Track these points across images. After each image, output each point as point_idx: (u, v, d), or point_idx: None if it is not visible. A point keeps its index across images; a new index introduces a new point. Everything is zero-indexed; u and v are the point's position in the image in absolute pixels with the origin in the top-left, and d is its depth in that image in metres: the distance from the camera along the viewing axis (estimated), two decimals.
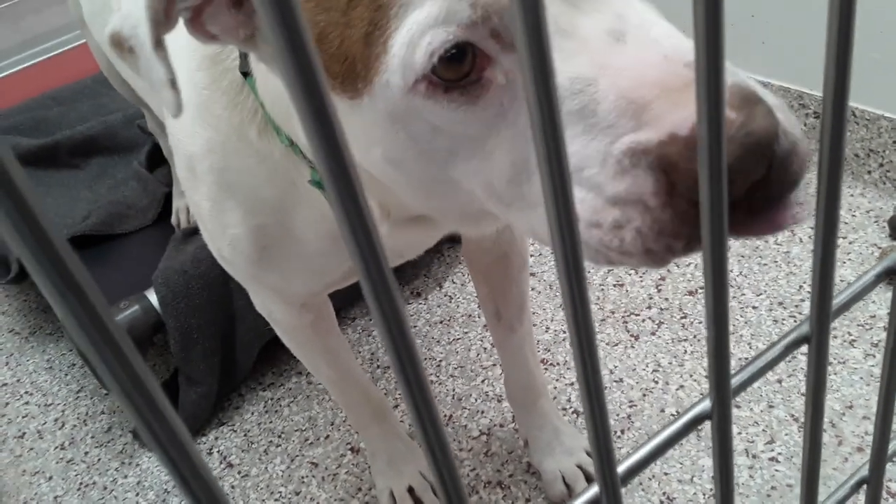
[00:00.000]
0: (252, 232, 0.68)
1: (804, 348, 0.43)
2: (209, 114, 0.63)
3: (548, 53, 0.23)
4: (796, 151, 0.39)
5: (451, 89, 0.42)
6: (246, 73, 0.59)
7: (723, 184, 0.29)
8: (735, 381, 0.41)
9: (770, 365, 0.46)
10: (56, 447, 1.28)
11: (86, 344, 0.18)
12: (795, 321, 1.21)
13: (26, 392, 1.39)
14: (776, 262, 1.30)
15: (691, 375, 1.16)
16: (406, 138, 0.46)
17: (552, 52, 0.22)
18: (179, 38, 0.63)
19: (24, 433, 1.32)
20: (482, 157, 0.45)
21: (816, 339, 0.43)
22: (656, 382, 1.17)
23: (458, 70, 0.42)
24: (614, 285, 1.32)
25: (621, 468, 0.40)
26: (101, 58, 1.34)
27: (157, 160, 1.58)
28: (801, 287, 1.25)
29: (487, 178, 0.46)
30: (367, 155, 0.49)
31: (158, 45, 0.43)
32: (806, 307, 1.22)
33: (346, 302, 1.35)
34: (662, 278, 1.32)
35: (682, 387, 1.15)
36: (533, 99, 0.24)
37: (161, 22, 0.43)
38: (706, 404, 0.40)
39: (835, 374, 1.12)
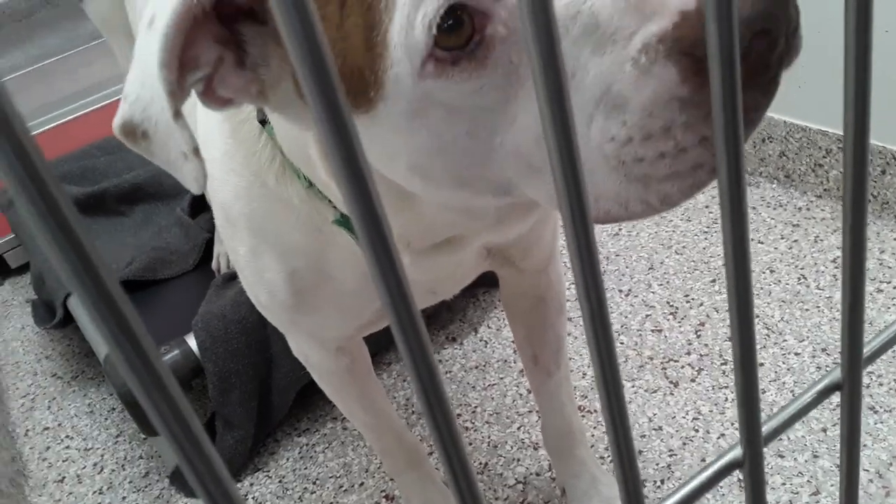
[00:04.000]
0: (286, 276, 0.69)
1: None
2: (234, 162, 0.64)
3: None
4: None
5: (459, 59, 0.42)
6: (264, 121, 0.60)
7: (735, 47, 0.28)
8: (767, 428, 0.40)
9: (802, 412, 0.44)
10: (94, 492, 1.29)
11: (135, 385, 0.19)
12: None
13: (67, 436, 1.40)
14: (818, 307, 1.28)
15: (733, 424, 1.14)
16: (428, 134, 0.45)
17: None
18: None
19: (64, 477, 1.33)
20: (506, 128, 0.44)
21: (848, 385, 0.42)
22: (696, 431, 1.14)
23: (459, 35, 0.41)
24: (652, 331, 1.30)
25: None
26: None
27: (200, 206, 1.61)
28: None
29: (516, 147, 0.45)
30: (392, 169, 0.49)
31: (177, 115, 0.43)
32: None
33: (381, 346, 1.36)
34: (702, 324, 1.30)
35: (723, 435, 1.12)
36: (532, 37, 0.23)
37: (176, 93, 0.43)
38: (737, 452, 0.40)
39: (881, 422, 1.09)
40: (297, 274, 0.69)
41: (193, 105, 0.70)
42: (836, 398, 0.43)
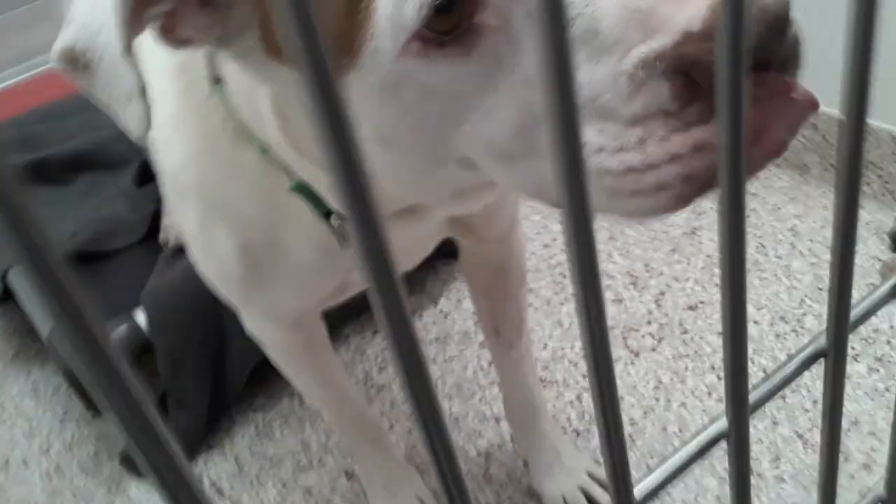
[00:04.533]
0: (239, 250, 0.65)
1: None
2: (183, 126, 0.60)
3: None
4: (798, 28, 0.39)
5: (445, 43, 0.40)
6: (216, 80, 0.56)
7: (743, 64, 0.26)
8: (751, 399, 0.39)
9: (786, 381, 0.43)
10: (41, 475, 1.24)
11: (81, 363, 0.18)
12: (797, 336, 1.19)
13: (10, 418, 1.35)
14: (776, 275, 1.28)
15: (693, 392, 1.14)
16: (397, 110, 0.43)
17: None
18: (151, 53, 0.61)
19: (8, 460, 1.28)
20: (480, 116, 0.43)
21: (834, 354, 0.41)
22: (657, 400, 1.14)
23: (449, 19, 0.39)
24: (613, 300, 1.29)
25: (638, 491, 0.37)
26: None
27: (148, 176, 1.55)
28: (802, 301, 1.23)
29: (488, 136, 0.43)
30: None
31: (128, 49, 0.40)
32: (808, 321, 1.20)
33: (339, 320, 1.33)
34: (662, 293, 1.29)
35: (684, 404, 1.12)
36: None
37: (131, 24, 0.40)
38: (722, 424, 0.38)
39: None
40: (250, 247, 0.65)
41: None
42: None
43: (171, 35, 0.44)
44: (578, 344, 1.23)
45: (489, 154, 0.44)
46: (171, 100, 0.60)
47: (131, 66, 0.40)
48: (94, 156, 1.65)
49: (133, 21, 0.41)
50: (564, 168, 0.23)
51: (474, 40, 0.40)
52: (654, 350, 1.21)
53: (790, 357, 0.43)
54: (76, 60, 0.42)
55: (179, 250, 1.28)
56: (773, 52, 0.38)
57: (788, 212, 1.39)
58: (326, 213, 0.59)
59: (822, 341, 0.41)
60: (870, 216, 1.33)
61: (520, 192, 0.47)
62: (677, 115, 0.38)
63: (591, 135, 0.40)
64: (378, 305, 0.22)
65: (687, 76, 0.38)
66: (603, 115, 0.40)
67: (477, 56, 0.40)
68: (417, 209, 0.61)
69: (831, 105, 0.41)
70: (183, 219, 0.68)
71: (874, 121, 1.30)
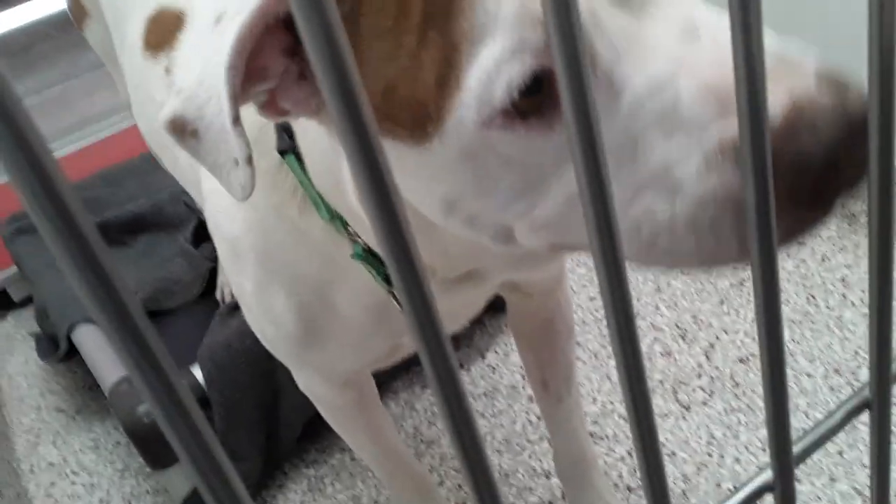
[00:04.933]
0: (295, 311, 0.67)
1: (865, 417, 0.42)
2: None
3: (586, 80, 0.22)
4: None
5: (528, 116, 0.41)
6: (283, 152, 0.59)
7: (768, 178, 0.27)
8: (796, 450, 0.39)
9: (831, 432, 0.44)
10: None
11: (158, 409, 0.19)
12: (853, 389, 1.17)
13: (72, 472, 1.39)
14: (829, 327, 1.26)
15: (748, 448, 1.12)
16: (473, 178, 0.45)
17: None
18: None
19: None
20: (558, 185, 0.44)
21: (878, 404, 0.41)
22: (710, 455, 1.12)
23: (535, 100, 0.41)
24: (661, 354, 1.29)
25: None
26: (150, 139, 1.37)
27: (203, 235, 1.60)
28: (856, 353, 1.21)
29: (562, 202, 0.44)
30: (422, 199, 0.49)
31: (236, 121, 0.42)
32: (863, 374, 1.18)
33: (389, 374, 1.34)
34: (711, 345, 1.29)
35: (738, 460, 1.11)
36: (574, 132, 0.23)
37: (238, 98, 0.42)
38: (767, 475, 0.38)
39: None
40: (305, 307, 0.67)
41: None
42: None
43: (272, 107, 0.47)
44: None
45: (540, 227, 0.46)
46: None
47: (240, 135, 0.42)
48: (151, 217, 1.71)
49: (240, 95, 0.43)
50: (594, 224, 0.25)
51: (552, 117, 0.41)
52: (705, 404, 1.20)
53: (834, 408, 0.43)
54: (184, 129, 0.44)
55: (234, 307, 1.31)
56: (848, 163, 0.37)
57: (838, 261, 1.37)
58: (387, 279, 0.61)
59: (866, 392, 0.41)
60: None
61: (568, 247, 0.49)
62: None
63: (661, 207, 0.41)
64: (428, 367, 0.23)
65: None
66: (673, 191, 0.40)
67: (558, 131, 0.42)
68: (476, 274, 0.63)
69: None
70: (239, 282, 0.71)
71: None
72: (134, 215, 1.70)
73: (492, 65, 0.40)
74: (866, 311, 1.28)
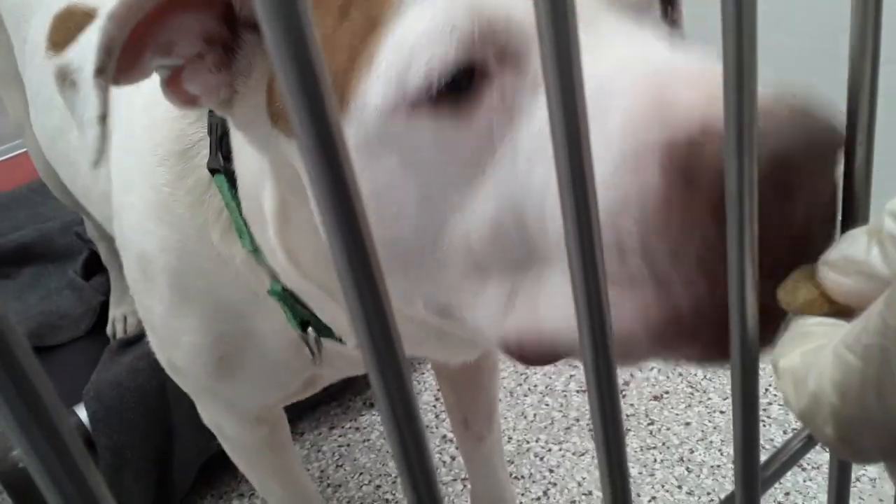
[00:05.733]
0: (209, 338, 0.62)
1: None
2: (167, 212, 0.58)
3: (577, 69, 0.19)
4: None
5: (439, 102, 0.36)
6: (214, 171, 0.54)
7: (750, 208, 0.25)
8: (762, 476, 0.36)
9: (792, 460, 0.41)
10: None
11: (34, 454, 0.16)
12: (764, 426, 1.17)
13: None
14: None
15: (663, 486, 1.10)
16: (369, 181, 0.38)
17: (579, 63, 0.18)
18: (142, 133, 0.58)
19: None
20: (461, 205, 0.38)
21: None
22: None
23: (453, 95, 0.36)
24: (577, 391, 1.27)
25: None
26: (40, 163, 1.29)
27: (94, 268, 1.51)
28: (766, 390, 1.22)
29: (466, 234, 0.38)
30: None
31: (101, 73, 0.39)
32: (774, 410, 1.18)
33: (295, 415, 1.27)
34: (626, 383, 1.27)
35: (654, 499, 1.09)
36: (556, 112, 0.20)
37: (115, 55, 0.39)
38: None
39: (809, 480, 1.07)
40: (221, 337, 0.62)
41: (119, 146, 0.63)
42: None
43: (176, 88, 0.43)
44: (544, 436, 1.19)
45: (466, 265, 0.39)
46: (153, 185, 0.58)
47: (98, 87, 0.39)
48: (39, 248, 1.61)
49: (132, 61, 0.40)
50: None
51: (471, 109, 0.37)
52: None
53: (791, 437, 0.40)
54: (66, 76, 0.41)
55: (126, 344, 1.23)
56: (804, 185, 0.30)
57: None
58: (302, 322, 0.57)
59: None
60: None
61: (488, 331, 0.41)
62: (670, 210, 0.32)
63: None
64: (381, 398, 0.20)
65: (685, 182, 0.31)
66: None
67: (469, 126, 0.37)
68: None
69: None
70: (148, 305, 0.65)
71: None
72: (20, 245, 1.60)
73: (412, 42, 0.35)
74: None
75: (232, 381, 0.66)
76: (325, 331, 0.58)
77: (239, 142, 0.52)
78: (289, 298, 0.56)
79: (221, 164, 0.54)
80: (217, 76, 0.43)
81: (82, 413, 1.10)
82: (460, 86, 0.36)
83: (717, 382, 1.24)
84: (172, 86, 0.43)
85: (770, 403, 1.19)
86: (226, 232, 0.57)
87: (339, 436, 1.27)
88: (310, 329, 0.58)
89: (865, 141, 0.30)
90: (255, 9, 0.15)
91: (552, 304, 0.36)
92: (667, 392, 1.24)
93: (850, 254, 0.26)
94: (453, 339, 0.51)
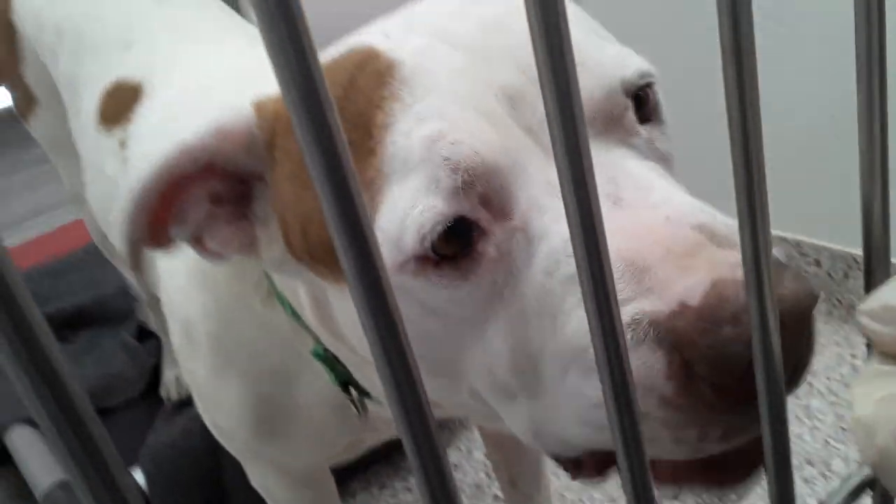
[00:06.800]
0: (253, 402, 0.64)
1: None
2: (209, 279, 0.60)
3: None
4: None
5: (442, 264, 0.39)
6: None
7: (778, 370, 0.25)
8: None
9: None
10: None
11: None
12: (826, 479, 1.14)
13: None
14: (797, 417, 1.24)
15: None
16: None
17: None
18: None
19: None
20: (478, 344, 0.41)
21: (881, 484, 0.38)
22: None
23: (449, 246, 0.38)
24: None
25: None
26: (94, 229, 1.33)
27: (148, 331, 1.54)
28: (826, 442, 1.19)
29: (487, 366, 0.41)
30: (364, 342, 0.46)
31: (136, 267, 0.44)
32: (836, 464, 1.15)
33: (346, 474, 1.27)
34: None
35: None
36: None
37: (140, 246, 0.44)
38: None
39: None
40: (264, 399, 0.64)
41: None
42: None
43: (202, 248, 0.46)
44: (597, 495, 1.17)
45: (489, 386, 0.42)
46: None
47: (138, 283, 0.43)
48: (94, 311, 1.65)
49: (158, 237, 0.44)
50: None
51: (472, 267, 0.39)
52: (676, 498, 1.15)
53: (836, 490, 0.40)
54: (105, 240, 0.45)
55: (180, 405, 1.25)
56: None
57: None
58: (344, 383, 0.58)
59: (866, 470, 0.38)
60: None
61: (523, 437, 0.44)
62: (675, 406, 0.34)
63: (590, 390, 0.37)
64: (414, 461, 0.21)
65: (683, 357, 0.33)
66: (591, 370, 0.36)
67: (474, 282, 0.39)
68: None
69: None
70: (192, 368, 0.67)
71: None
72: (76, 309, 1.64)
73: (403, 206, 0.38)
74: (833, 399, 1.26)
75: (275, 442, 0.67)
76: (365, 392, 0.59)
77: None
78: (330, 360, 0.57)
79: None
80: (233, 228, 0.46)
81: (138, 475, 1.11)
82: (459, 242, 0.39)
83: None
84: (198, 246, 0.46)
85: (832, 455, 1.16)
86: (266, 299, 0.59)
87: (390, 496, 1.26)
88: (351, 389, 0.59)
89: (881, 195, 0.31)
90: (308, 171, 0.17)
91: (563, 417, 0.40)
92: None
93: (889, 301, 0.26)
94: (496, 417, 0.53)
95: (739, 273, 0.32)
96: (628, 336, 0.34)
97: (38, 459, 1.16)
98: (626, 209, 0.37)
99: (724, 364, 0.32)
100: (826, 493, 0.39)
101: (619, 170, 0.39)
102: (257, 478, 0.78)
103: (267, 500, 0.81)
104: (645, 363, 0.34)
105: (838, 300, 1.38)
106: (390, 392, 0.19)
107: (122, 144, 0.81)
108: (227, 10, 1.03)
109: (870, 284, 0.34)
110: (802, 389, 1.28)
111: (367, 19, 0.48)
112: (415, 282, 0.39)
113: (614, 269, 0.34)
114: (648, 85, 0.43)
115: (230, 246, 0.46)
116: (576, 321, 0.36)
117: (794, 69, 1.24)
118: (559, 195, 0.36)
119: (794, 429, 1.22)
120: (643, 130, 0.43)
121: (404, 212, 0.38)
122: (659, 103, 0.45)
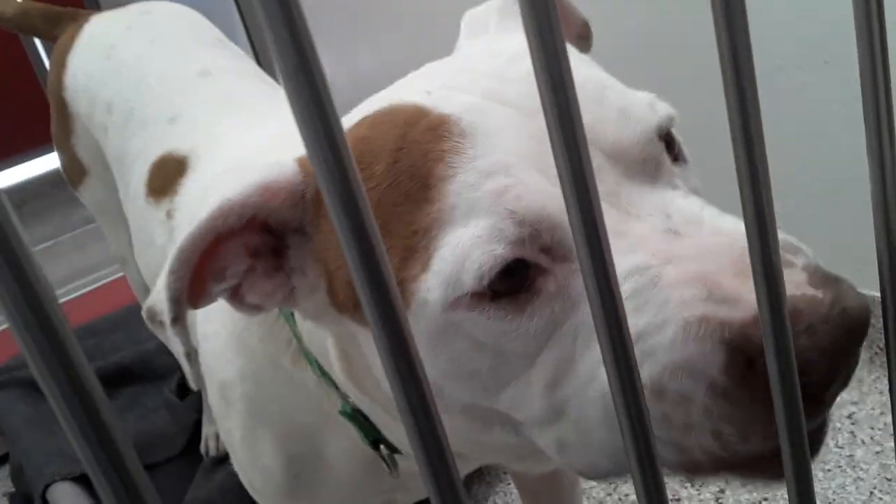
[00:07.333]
0: (284, 460, 0.65)
1: None
2: (243, 344, 0.63)
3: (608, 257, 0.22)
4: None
5: (499, 297, 0.40)
6: None
7: (794, 376, 0.26)
8: None
9: None
10: None
11: None
12: None
13: None
14: (840, 467, 1.21)
15: None
16: (446, 361, 0.43)
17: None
18: None
19: None
20: (526, 377, 0.42)
21: None
22: None
23: (510, 283, 0.40)
24: (672, 500, 1.23)
25: None
26: (141, 293, 1.36)
27: (189, 388, 1.56)
28: (871, 494, 1.16)
29: (528, 393, 0.42)
30: None
31: (176, 321, 0.44)
32: None
33: None
34: (722, 490, 1.23)
35: None
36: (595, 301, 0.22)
37: (183, 301, 0.44)
38: None
39: None
40: (295, 458, 0.65)
41: None
42: None
43: (240, 303, 0.47)
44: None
45: (531, 409, 0.43)
46: (234, 317, 0.62)
47: (180, 334, 0.44)
48: (136, 368, 1.68)
49: (197, 294, 0.45)
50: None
51: (529, 300, 0.40)
52: None
53: None
54: (154, 318, 0.46)
55: (219, 461, 1.26)
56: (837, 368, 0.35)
57: (843, 399, 1.34)
58: (374, 442, 0.59)
59: None
60: None
61: (563, 461, 0.45)
62: (725, 393, 0.36)
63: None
64: None
65: (747, 360, 0.35)
66: (641, 362, 0.37)
67: (529, 315, 0.40)
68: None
69: (868, 286, 0.40)
70: (228, 428, 0.68)
71: None
72: (119, 367, 1.67)
73: (464, 250, 0.39)
74: (877, 448, 1.23)
75: (307, 500, 0.68)
76: (395, 449, 0.60)
77: None
78: (358, 418, 0.58)
79: None
80: (272, 281, 0.47)
81: None
82: (516, 279, 0.40)
83: (818, 488, 1.18)
84: (235, 300, 0.47)
85: None
86: (296, 358, 0.60)
87: None
88: (382, 447, 0.60)
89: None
90: (334, 225, 0.19)
91: (590, 443, 0.41)
92: (765, 499, 1.19)
93: None
94: (528, 454, 0.54)
95: (808, 289, 0.34)
96: (695, 330, 0.36)
97: None
98: (687, 238, 0.39)
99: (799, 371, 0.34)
100: None
101: (673, 207, 0.41)
102: None
103: None
104: (703, 352, 0.36)
105: (880, 347, 1.36)
106: (411, 430, 0.20)
107: (169, 215, 0.84)
108: (268, 80, 1.06)
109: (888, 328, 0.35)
110: (845, 439, 1.25)
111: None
112: (467, 316, 0.40)
113: (684, 279, 0.37)
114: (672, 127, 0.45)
115: (271, 298, 0.47)
116: (630, 320, 0.38)
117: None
118: (623, 238, 0.39)
119: (837, 479, 1.19)
120: (676, 170, 0.45)
121: (464, 254, 0.39)
122: (681, 144, 0.47)
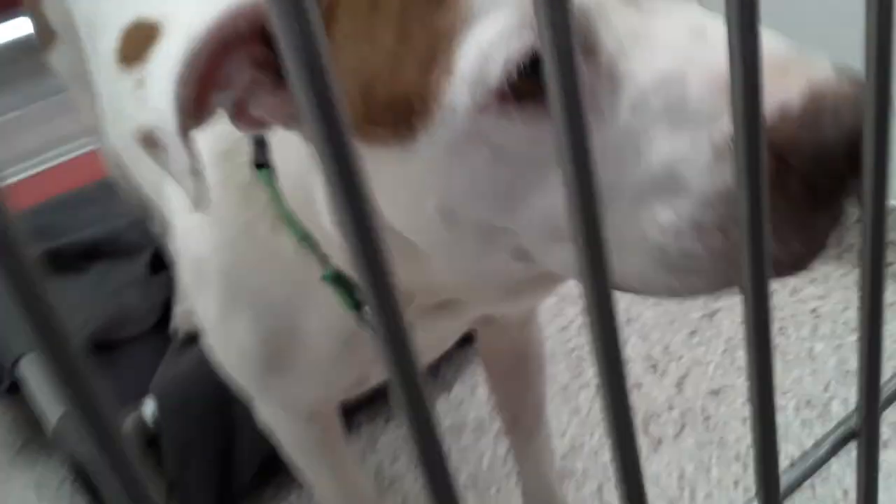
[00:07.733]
0: (261, 336, 0.64)
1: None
2: (221, 211, 0.60)
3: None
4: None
5: (525, 99, 0.39)
6: (259, 165, 0.56)
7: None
8: (781, 484, 0.37)
9: (818, 465, 0.42)
10: None
11: (92, 453, 0.18)
12: (824, 422, 1.15)
13: None
14: (799, 358, 1.25)
15: (719, 483, 1.09)
16: (465, 176, 0.42)
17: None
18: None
19: None
20: (546, 185, 0.41)
21: (866, 434, 0.39)
22: (682, 490, 1.09)
23: (531, 81, 0.38)
24: (632, 385, 1.26)
25: None
26: (113, 165, 1.34)
27: (161, 264, 1.55)
28: (827, 385, 1.20)
29: (550, 208, 0.41)
30: (415, 212, 0.46)
31: (185, 134, 0.42)
32: (835, 407, 1.16)
33: (351, 407, 1.29)
34: (683, 377, 1.26)
35: (709, 495, 1.08)
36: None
37: (189, 111, 0.42)
38: None
39: None
40: (272, 335, 0.64)
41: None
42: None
43: (244, 117, 0.45)
44: (599, 432, 1.19)
45: (544, 230, 0.43)
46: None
47: (185, 147, 0.42)
48: (108, 244, 1.66)
49: (198, 105, 0.42)
50: (581, 238, 0.23)
51: None
52: (676, 438, 1.17)
53: (820, 439, 0.41)
54: (152, 140, 0.43)
55: (189, 339, 1.26)
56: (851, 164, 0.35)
57: (809, 293, 1.36)
58: (357, 305, 0.58)
59: (852, 422, 0.39)
60: (893, 297, 1.30)
61: (570, 274, 0.46)
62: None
63: (666, 217, 0.39)
64: (399, 399, 0.22)
65: (779, 160, 0.36)
66: (678, 192, 0.38)
67: None
68: (453, 305, 0.60)
69: None
70: (202, 306, 0.67)
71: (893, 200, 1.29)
72: (91, 241, 1.66)
73: (490, 42, 0.38)
74: (837, 342, 1.26)
75: (283, 378, 0.68)
76: None
77: (279, 139, 0.53)
78: (341, 282, 0.57)
79: (264, 158, 0.56)
80: (277, 97, 0.45)
81: (148, 408, 1.14)
82: (537, 73, 0.38)
83: (776, 378, 1.22)
84: (239, 116, 0.45)
85: (832, 398, 1.17)
86: (274, 225, 0.58)
87: (396, 427, 1.29)
88: (365, 309, 0.59)
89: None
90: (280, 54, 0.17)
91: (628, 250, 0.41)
92: (725, 386, 1.23)
93: None
94: (526, 284, 0.55)
95: (834, 78, 0.36)
96: (729, 151, 0.36)
97: (47, 389, 1.20)
98: (711, 41, 0.38)
99: (823, 154, 0.35)
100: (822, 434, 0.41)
101: (696, 11, 0.40)
102: (263, 414, 0.80)
103: (272, 436, 0.83)
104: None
105: (851, 245, 1.37)
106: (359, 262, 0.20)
107: (140, 84, 0.81)
108: None
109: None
110: (806, 331, 1.28)
111: None
112: (494, 122, 0.39)
113: (713, 92, 0.37)
114: None
115: (276, 116, 0.45)
116: (663, 148, 0.38)
117: None
118: (642, 45, 0.38)
119: (795, 371, 1.23)
120: None
121: (491, 46, 0.38)
122: None
